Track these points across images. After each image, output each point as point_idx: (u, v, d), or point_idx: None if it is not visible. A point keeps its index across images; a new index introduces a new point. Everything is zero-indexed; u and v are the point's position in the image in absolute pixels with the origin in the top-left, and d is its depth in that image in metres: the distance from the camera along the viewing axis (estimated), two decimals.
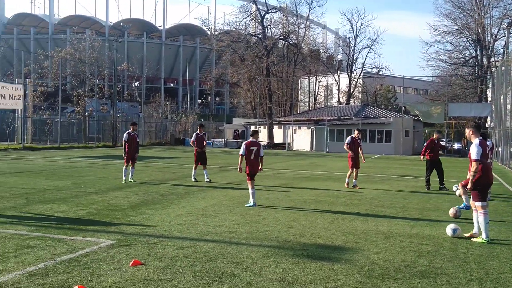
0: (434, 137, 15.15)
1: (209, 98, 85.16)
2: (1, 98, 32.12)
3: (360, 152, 15.01)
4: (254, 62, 54.44)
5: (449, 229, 7.76)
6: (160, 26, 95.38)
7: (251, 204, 10.40)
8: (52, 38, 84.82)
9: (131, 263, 5.72)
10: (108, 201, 10.68)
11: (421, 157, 15.04)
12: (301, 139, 48.33)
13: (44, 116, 43.81)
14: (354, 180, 14.79)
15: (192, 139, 15.82)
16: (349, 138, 15.13)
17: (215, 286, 5.02)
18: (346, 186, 14.74)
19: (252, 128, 52.21)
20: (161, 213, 9.30)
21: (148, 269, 5.54)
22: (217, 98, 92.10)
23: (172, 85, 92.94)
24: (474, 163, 7.39)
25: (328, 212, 9.92)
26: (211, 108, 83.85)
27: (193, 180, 15.13)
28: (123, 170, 14.54)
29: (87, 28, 78.74)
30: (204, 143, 15.72)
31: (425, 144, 15.22)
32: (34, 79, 45.97)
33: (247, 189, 10.85)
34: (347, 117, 47.49)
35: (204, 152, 15.65)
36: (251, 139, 10.82)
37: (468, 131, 7.76)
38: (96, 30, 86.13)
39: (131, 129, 14.75)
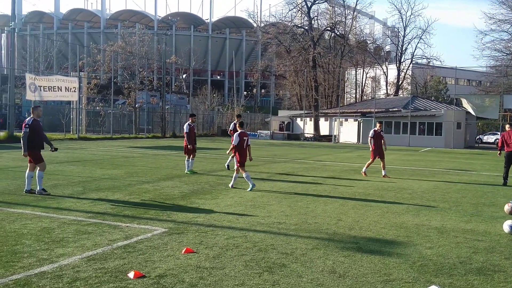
0: (507, 129, 14.22)
1: (254, 90, 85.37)
2: (58, 90, 33.56)
3: (383, 143, 15.78)
4: (300, 53, 54.03)
5: (506, 225, 7.43)
6: (207, 19, 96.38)
7: (251, 186, 11.17)
8: (104, 33, 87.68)
9: (183, 250, 5.85)
10: (160, 190, 10.96)
11: (498, 152, 14.37)
12: (348, 131, 47.61)
13: (97, 108, 45.45)
14: (383, 171, 15.39)
15: (230, 128, 15.97)
16: (372, 131, 15.78)
17: (266, 276, 5.04)
18: (363, 174, 15.37)
19: (267, 118, 52.00)
20: (210, 203, 9.44)
21: (200, 257, 5.65)
22: (263, 90, 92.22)
23: (218, 77, 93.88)
24: None
25: (377, 205, 9.74)
26: (257, 100, 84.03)
27: (226, 168, 15.63)
28: (186, 161, 14.64)
29: (137, 22, 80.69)
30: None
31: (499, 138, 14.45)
32: (87, 72, 47.72)
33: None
34: (396, 109, 46.29)
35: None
36: (240, 130, 11.54)
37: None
38: (145, 24, 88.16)
39: (190, 121, 14.96)
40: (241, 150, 11.43)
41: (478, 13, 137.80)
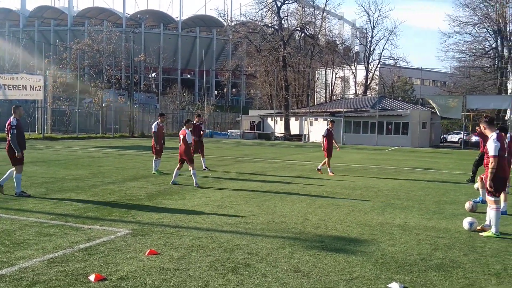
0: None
1: (225, 89, 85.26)
2: (23, 89, 32.63)
3: (334, 141, 16.43)
4: (270, 53, 54.24)
5: (466, 222, 7.65)
6: (177, 18, 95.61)
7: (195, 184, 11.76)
8: (71, 30, 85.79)
9: (147, 252, 5.77)
10: (125, 191, 10.79)
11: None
12: (318, 130, 48.02)
13: (63, 107, 44.41)
14: (329, 168, 15.97)
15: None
16: (325, 130, 16.29)
17: (230, 277, 5.03)
18: (331, 174, 15.60)
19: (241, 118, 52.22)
20: (177, 203, 9.36)
21: (164, 259, 5.59)
22: (234, 90, 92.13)
23: (188, 76, 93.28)
24: (491, 159, 7.20)
25: (344, 204, 9.87)
26: (228, 99, 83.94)
27: (204, 169, 15.62)
28: (154, 161, 14.47)
29: (105, 19, 79.39)
30: (201, 132, 16.26)
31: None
32: (53, 71, 46.55)
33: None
34: (364, 109, 47.07)
35: (201, 141, 16.16)
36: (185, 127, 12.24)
37: (482, 126, 7.60)
38: (113, 21, 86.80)
39: (159, 120, 14.78)
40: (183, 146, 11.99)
41: (442, 15, 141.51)
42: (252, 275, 5.12)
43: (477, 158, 14.41)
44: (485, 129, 7.52)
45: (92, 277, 4.85)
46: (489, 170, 7.21)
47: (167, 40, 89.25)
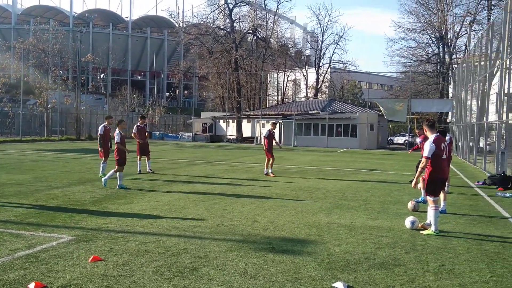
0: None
1: (177, 91, 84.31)
2: None
3: (275, 142, 16.66)
4: (222, 55, 54.18)
5: (408, 221, 7.96)
6: (127, 17, 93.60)
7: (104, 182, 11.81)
8: (15, 29, 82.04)
9: (90, 259, 5.60)
10: (70, 195, 10.43)
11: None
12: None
13: (5, 108, 42.35)
14: (270, 169, 16.11)
15: (134, 131, 15.86)
16: (267, 131, 16.46)
17: (177, 281, 4.97)
18: (271, 175, 15.81)
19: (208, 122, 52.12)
20: (124, 207, 9.15)
21: (108, 265, 5.44)
22: (186, 91, 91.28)
23: (139, 77, 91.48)
24: (424, 159, 7.61)
25: (293, 205, 10.00)
26: (179, 101, 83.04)
27: (138, 172, 15.35)
28: (101, 164, 14.04)
29: (51, 18, 76.40)
30: (146, 134, 16.12)
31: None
32: None
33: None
34: (315, 111, 47.94)
35: (147, 143, 16.03)
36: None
37: (424, 128, 7.98)
38: (60, 20, 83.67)
39: (106, 122, 14.38)
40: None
41: (389, 21, 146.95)
42: (199, 279, 5.08)
43: (420, 159, 15.04)
44: (426, 131, 7.87)
45: (32, 286, 4.66)
46: (419, 169, 7.60)
47: (117, 41, 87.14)
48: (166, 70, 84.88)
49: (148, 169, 15.74)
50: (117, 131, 12.09)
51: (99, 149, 13.90)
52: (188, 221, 8.03)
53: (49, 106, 43.51)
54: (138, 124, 16.07)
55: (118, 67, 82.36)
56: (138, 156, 15.78)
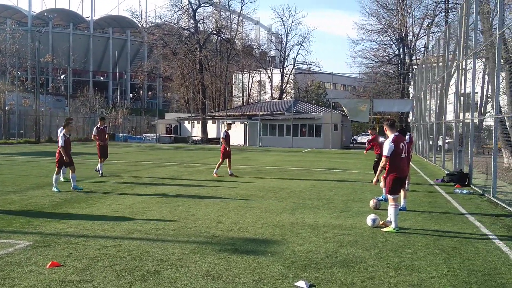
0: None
1: (141, 92, 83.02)
2: None
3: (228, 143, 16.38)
4: (186, 56, 53.73)
5: (369, 219, 8.12)
6: (88, 17, 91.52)
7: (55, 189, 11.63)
8: None
9: (48, 265, 5.44)
10: (28, 200, 10.10)
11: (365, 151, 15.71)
12: (235, 133, 48.38)
13: None
14: (229, 170, 16.12)
15: (94, 133, 15.60)
16: (224, 132, 16.43)
17: (138, 285, 4.90)
18: (215, 175, 15.80)
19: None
20: (85, 211, 8.94)
21: (67, 271, 5.30)
22: (150, 93, 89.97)
23: (101, 78, 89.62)
24: (383, 158, 7.81)
25: (257, 205, 10.02)
26: (143, 102, 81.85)
27: (100, 175, 15.15)
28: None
29: (8, 17, 73.88)
30: (106, 136, 15.85)
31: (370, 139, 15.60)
32: None
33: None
34: (280, 112, 48.25)
35: (106, 145, 15.75)
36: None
37: (384, 127, 8.16)
38: (18, 20, 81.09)
39: (64, 131, 13.93)
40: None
41: (351, 23, 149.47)
42: (161, 282, 5.02)
43: (376, 159, 15.39)
44: (386, 131, 8.06)
45: None
46: (379, 168, 7.79)
47: (78, 41, 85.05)
48: (129, 71, 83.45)
49: (99, 172, 15.39)
50: (61, 133, 11.82)
51: (64, 158, 13.44)
52: (151, 223, 7.93)
53: (6, 108, 42.00)
54: (98, 126, 15.75)
55: (80, 67, 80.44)
56: (99, 159, 15.46)
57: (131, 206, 9.62)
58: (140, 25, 66.34)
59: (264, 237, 7.15)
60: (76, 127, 49.64)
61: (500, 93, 15.92)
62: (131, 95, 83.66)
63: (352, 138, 57.17)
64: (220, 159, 16.27)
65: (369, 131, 15.97)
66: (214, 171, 16.10)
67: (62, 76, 67.62)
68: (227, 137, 16.24)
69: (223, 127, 16.61)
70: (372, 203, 10.05)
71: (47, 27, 76.17)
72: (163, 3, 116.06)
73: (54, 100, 55.11)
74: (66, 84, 61.62)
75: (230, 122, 17.70)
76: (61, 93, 62.38)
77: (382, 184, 12.21)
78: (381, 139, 13.63)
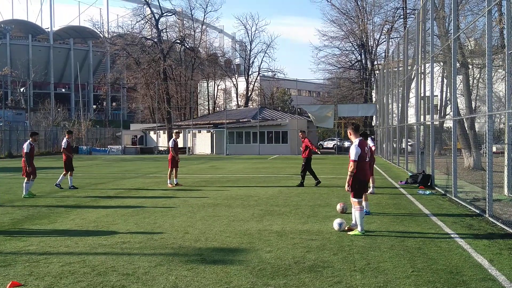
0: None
1: (104, 103, 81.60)
2: None
3: (175, 152, 16.23)
4: (150, 66, 53.19)
5: (336, 223, 8.22)
6: (47, 28, 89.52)
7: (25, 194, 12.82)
8: None
9: (8, 285, 5.24)
10: None
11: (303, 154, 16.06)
12: (202, 142, 48.28)
13: None
14: (175, 179, 15.99)
15: (64, 145, 15.38)
16: (172, 140, 16.33)
17: None
18: (169, 185, 15.69)
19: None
20: (47, 228, 8.67)
21: None
22: (113, 103, 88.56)
23: (63, 90, 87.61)
24: (351, 163, 7.88)
25: (225, 214, 9.98)
26: (107, 113, 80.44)
27: (70, 187, 15.13)
28: (24, 184, 13.27)
29: None
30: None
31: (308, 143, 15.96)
32: None
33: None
34: (246, 119, 48.33)
35: (71, 159, 15.52)
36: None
37: (348, 132, 8.28)
38: None
39: (31, 139, 13.60)
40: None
41: (313, 30, 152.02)
42: None
43: (304, 163, 15.71)
44: (350, 135, 8.17)
45: None
46: (349, 173, 7.85)
47: (37, 52, 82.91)
48: (92, 82, 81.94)
49: (70, 184, 15.28)
50: (27, 143, 12.22)
51: (28, 167, 13.13)
52: (116, 237, 7.77)
53: None
54: (66, 138, 15.48)
55: (40, 80, 78.39)
56: (66, 172, 15.17)
57: (95, 220, 9.40)
58: (101, 36, 65.28)
59: (232, 246, 7.12)
60: (37, 141, 48.29)
61: (458, 95, 16.45)
62: (94, 106, 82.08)
63: (319, 143, 57.83)
64: (169, 168, 16.05)
65: (300, 134, 16.41)
66: (168, 182, 15.90)
67: (21, 89, 65.66)
68: (175, 146, 16.10)
69: (173, 135, 16.51)
70: (339, 207, 10.17)
71: (4, 39, 73.99)
72: (125, 13, 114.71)
73: (14, 114, 53.41)
74: (26, 97, 59.87)
75: (178, 130, 17.53)
76: (21, 106, 60.55)
77: (371, 190, 12.46)
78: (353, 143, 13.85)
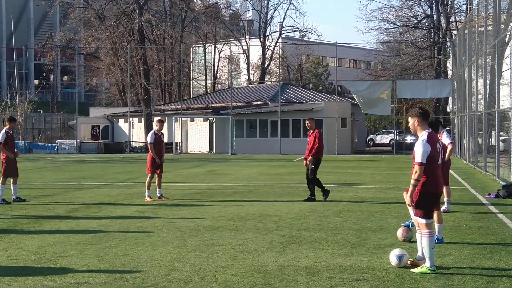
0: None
1: (51, 77, 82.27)
2: None
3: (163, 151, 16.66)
4: (120, 21, 53.47)
5: (394, 256, 8.18)
6: None
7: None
8: None
9: None
10: None
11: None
12: (196, 136, 48.38)
13: None
14: (158, 190, 16.15)
15: (1, 139, 15.32)
16: (151, 134, 16.39)
17: None
18: (148, 199, 15.76)
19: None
20: None
21: None
22: (65, 77, 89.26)
23: None
24: (417, 167, 7.79)
25: (230, 242, 10.02)
26: (56, 92, 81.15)
27: (14, 199, 15.49)
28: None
29: None
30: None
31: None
32: None
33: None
34: (261, 102, 48.43)
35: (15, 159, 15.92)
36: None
37: (412, 121, 8.16)
38: None
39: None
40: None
41: None
42: None
43: (312, 167, 15.74)
44: (417, 125, 8.07)
45: None
46: (413, 181, 7.80)
47: None
48: (33, 46, 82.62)
49: (14, 196, 15.57)
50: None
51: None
52: (69, 276, 7.84)
53: None
54: (7, 129, 15.64)
55: None
56: (5, 178, 15.44)
57: (37, 250, 9.50)
58: None
59: None
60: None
61: None
62: (36, 81, 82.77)
63: (368, 137, 57.70)
64: (148, 174, 16.16)
65: (308, 123, 16.06)
66: (146, 194, 15.92)
67: None
68: (157, 142, 16.16)
69: (155, 125, 16.68)
70: (400, 232, 10.12)
71: None
72: None
73: None
74: None
75: (161, 118, 17.62)
76: None
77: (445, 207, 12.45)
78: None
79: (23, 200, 15.66)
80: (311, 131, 15.86)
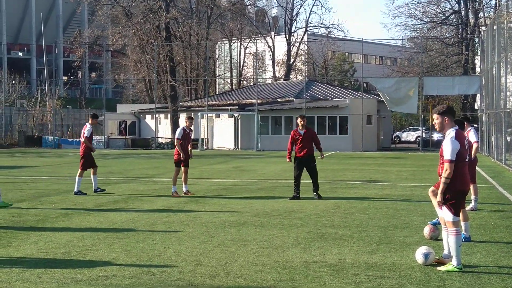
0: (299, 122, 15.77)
1: (79, 74, 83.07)
2: None
3: (190, 147, 16.58)
4: (146, 18, 53.78)
5: (420, 254, 8.14)
6: None
7: None
8: None
9: None
10: None
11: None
12: (221, 132, 48.55)
13: None
14: (184, 185, 16.22)
15: (86, 134, 16.90)
16: (180, 130, 16.34)
17: None
18: (174, 194, 15.84)
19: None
20: None
21: None
22: (93, 74, 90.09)
23: (20, 54, 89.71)
24: (447, 164, 7.72)
25: (255, 238, 10.05)
26: (84, 88, 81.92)
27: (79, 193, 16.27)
28: None
29: None
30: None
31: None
32: None
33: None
34: (286, 99, 48.37)
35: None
36: None
37: (439, 119, 8.06)
38: None
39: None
40: None
41: None
42: None
43: (313, 163, 15.75)
44: (446, 122, 7.98)
45: None
46: (443, 179, 7.72)
47: None
48: (61, 43, 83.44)
49: (95, 187, 16.76)
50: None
51: None
52: (97, 269, 7.93)
53: None
54: (90, 124, 17.14)
55: None
56: (80, 171, 16.64)
57: (67, 244, 9.62)
58: None
59: (266, 285, 7.18)
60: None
61: None
62: (65, 78, 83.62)
63: (394, 134, 57.31)
64: (174, 169, 16.31)
65: (300, 121, 15.80)
66: (172, 190, 16.03)
67: None
68: (184, 138, 16.17)
69: (182, 123, 16.79)
70: (427, 230, 10.05)
71: None
72: None
73: None
74: None
75: (190, 115, 17.66)
76: None
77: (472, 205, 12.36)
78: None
79: (103, 190, 16.59)
80: (304, 129, 15.61)
